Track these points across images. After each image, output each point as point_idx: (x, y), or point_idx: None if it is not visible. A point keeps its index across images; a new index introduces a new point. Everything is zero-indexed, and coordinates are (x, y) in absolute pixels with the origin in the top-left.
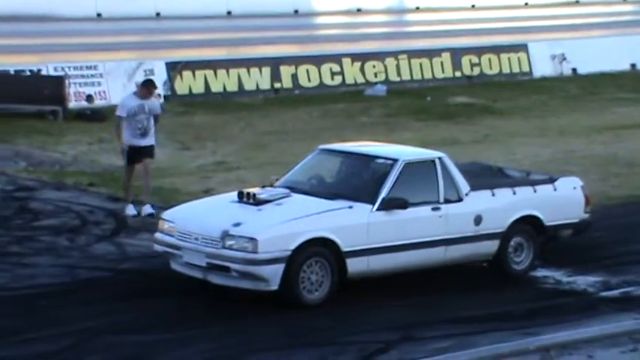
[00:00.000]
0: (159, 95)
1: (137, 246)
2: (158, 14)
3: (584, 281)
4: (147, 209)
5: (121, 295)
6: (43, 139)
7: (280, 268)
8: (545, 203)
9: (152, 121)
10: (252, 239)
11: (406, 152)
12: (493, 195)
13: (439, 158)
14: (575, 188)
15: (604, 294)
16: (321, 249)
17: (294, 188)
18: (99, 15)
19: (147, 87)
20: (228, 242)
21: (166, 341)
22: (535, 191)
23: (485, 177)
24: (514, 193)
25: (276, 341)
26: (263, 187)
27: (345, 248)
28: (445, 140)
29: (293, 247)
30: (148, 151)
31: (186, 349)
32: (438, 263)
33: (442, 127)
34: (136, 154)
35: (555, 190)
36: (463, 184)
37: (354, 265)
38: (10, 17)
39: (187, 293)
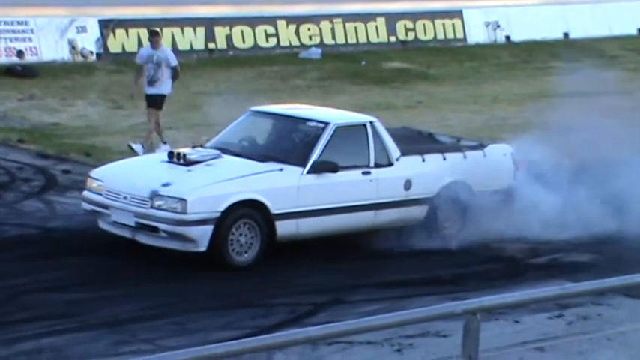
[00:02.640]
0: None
1: (66, 204)
2: None
3: (512, 247)
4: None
5: (50, 253)
6: None
7: (209, 229)
8: (474, 170)
9: (163, 72)
10: (181, 200)
11: (338, 116)
12: (423, 160)
13: (370, 123)
14: (504, 155)
15: (531, 260)
16: (250, 211)
17: (224, 149)
18: None
19: (150, 37)
20: (157, 202)
21: (96, 299)
22: (465, 157)
23: (415, 142)
24: (444, 159)
25: (207, 301)
26: (193, 147)
27: (274, 211)
28: (379, 105)
29: (222, 208)
30: (155, 100)
31: (116, 308)
32: (368, 227)
33: (377, 91)
34: (148, 101)
35: (485, 156)
36: (394, 149)
37: (283, 228)
38: None
39: (117, 252)
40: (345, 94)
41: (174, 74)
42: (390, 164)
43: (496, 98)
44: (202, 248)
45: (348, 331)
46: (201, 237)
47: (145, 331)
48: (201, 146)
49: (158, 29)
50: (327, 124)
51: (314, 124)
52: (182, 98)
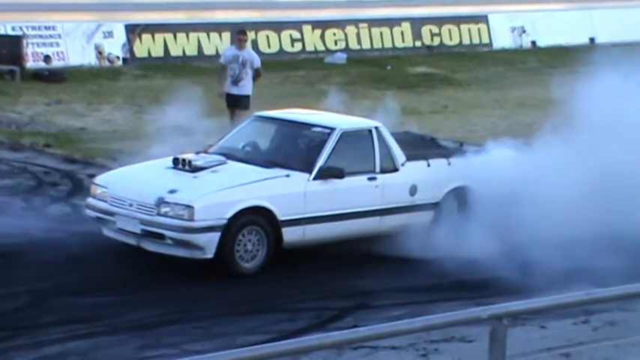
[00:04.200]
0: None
1: None
2: None
3: (533, 252)
4: None
5: (76, 257)
6: (0, 98)
7: (216, 236)
8: (479, 174)
9: (247, 73)
10: (188, 207)
11: (343, 121)
12: (428, 165)
13: (376, 128)
14: (508, 159)
15: (555, 265)
16: (257, 217)
17: (229, 155)
18: None
19: (237, 37)
20: (164, 209)
21: (121, 304)
22: (469, 162)
23: (418, 147)
24: (449, 164)
25: (231, 306)
26: (197, 153)
27: (281, 217)
28: (404, 110)
29: (229, 215)
30: (239, 101)
31: (140, 312)
32: (373, 233)
33: (401, 96)
34: (230, 101)
35: (489, 160)
36: (399, 154)
37: (289, 234)
38: None
39: (140, 258)
40: (370, 99)
41: (256, 75)
42: (396, 169)
43: (522, 103)
44: (209, 255)
45: (372, 336)
46: (209, 244)
47: (170, 336)
48: (205, 152)
49: (245, 29)
50: (332, 129)
51: (319, 129)
52: (207, 103)
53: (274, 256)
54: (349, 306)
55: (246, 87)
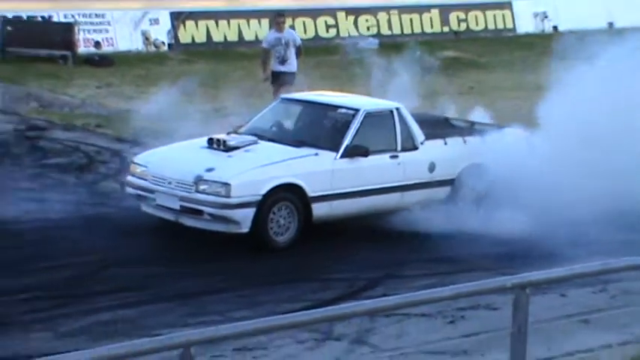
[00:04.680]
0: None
1: None
2: None
3: (549, 229)
4: None
5: (123, 230)
6: (53, 82)
7: (251, 211)
8: (493, 152)
9: (292, 51)
10: (225, 184)
11: (366, 102)
12: (445, 144)
13: (397, 109)
14: (521, 138)
15: (571, 238)
16: (288, 194)
17: (259, 135)
18: None
19: (275, 20)
20: (202, 187)
21: (167, 274)
22: (484, 140)
23: (433, 126)
24: (464, 142)
25: (265, 278)
26: (228, 133)
27: (311, 193)
28: (433, 92)
29: (264, 191)
30: (286, 77)
31: (185, 282)
32: (395, 208)
33: (430, 79)
34: (277, 78)
35: (502, 139)
36: (418, 134)
37: (318, 210)
38: None
39: (181, 232)
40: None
41: (299, 52)
42: (415, 148)
43: (543, 86)
44: (245, 230)
45: (403, 304)
46: (244, 219)
47: (214, 304)
48: (235, 132)
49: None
50: (357, 110)
51: (344, 110)
52: (247, 86)
53: (305, 230)
54: (379, 276)
55: (292, 65)
